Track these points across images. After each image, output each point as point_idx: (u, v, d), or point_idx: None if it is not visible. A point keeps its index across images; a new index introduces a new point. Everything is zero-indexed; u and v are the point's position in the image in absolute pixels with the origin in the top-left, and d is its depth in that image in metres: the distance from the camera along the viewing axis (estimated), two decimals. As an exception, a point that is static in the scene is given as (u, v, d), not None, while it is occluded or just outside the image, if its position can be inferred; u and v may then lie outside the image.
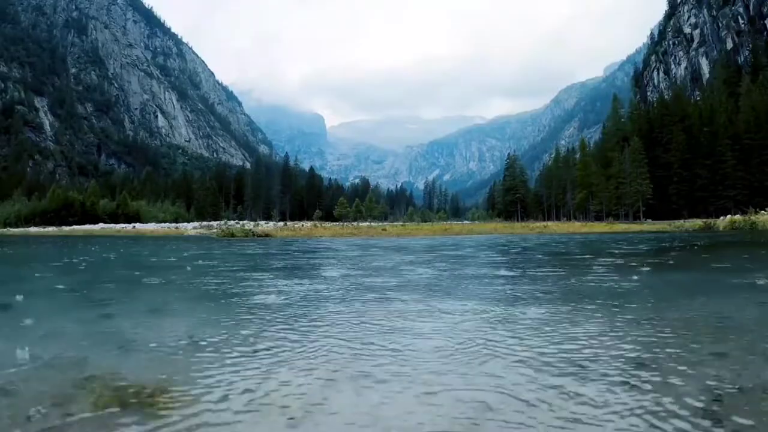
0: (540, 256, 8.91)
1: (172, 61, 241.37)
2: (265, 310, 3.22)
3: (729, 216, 23.95)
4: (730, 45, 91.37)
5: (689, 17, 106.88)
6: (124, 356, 2.06)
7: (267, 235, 22.63)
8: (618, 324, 2.57)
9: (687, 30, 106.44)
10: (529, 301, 3.48)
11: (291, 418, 1.35)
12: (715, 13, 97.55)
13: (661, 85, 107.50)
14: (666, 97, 75.15)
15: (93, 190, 76.85)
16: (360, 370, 1.80)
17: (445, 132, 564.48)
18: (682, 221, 30.31)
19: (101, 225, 47.73)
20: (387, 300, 3.59)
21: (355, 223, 47.44)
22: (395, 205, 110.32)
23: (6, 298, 3.99)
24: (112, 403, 1.45)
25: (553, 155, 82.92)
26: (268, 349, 2.12)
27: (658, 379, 1.63)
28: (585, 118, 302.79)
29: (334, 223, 48.35)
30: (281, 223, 46.17)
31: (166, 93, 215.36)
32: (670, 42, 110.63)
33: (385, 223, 48.80)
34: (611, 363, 1.83)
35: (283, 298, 3.78)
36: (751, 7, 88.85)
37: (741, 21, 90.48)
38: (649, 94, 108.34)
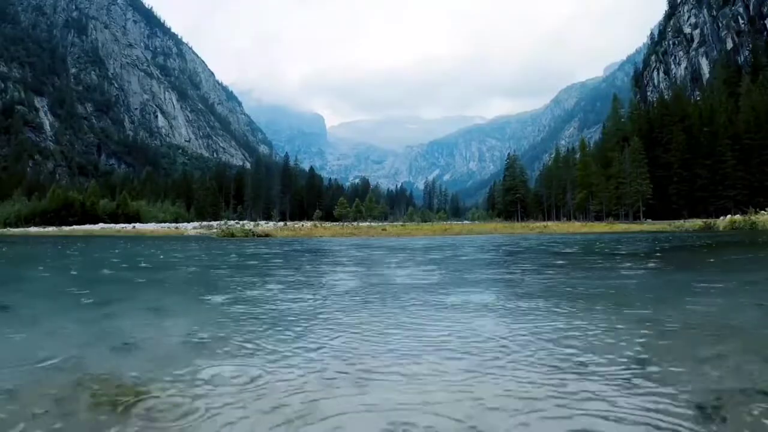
0: (540, 256, 8.91)
1: (172, 61, 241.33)
2: (266, 309, 3.22)
3: (729, 216, 23.94)
4: (730, 45, 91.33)
5: (689, 17, 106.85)
6: (124, 356, 2.06)
7: (267, 235, 22.63)
8: (618, 324, 2.57)
9: (687, 30, 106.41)
10: (529, 301, 3.48)
11: (291, 418, 1.35)
12: (715, 13, 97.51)
13: (661, 85, 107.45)
14: (666, 97, 75.13)
15: (93, 190, 76.82)
16: (360, 369, 1.80)
17: (445, 132, 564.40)
18: (682, 221, 30.30)
19: (101, 225, 47.72)
20: (387, 299, 3.59)
21: (355, 223, 47.45)
22: (395, 205, 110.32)
23: (6, 298, 3.99)
24: (112, 403, 1.45)
25: (553, 155, 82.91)
26: (268, 349, 2.12)
27: (657, 379, 1.63)
28: (585, 118, 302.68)
29: (334, 223, 48.36)
30: (281, 223, 46.17)
31: (166, 93, 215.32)
32: (670, 42, 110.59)
33: (385, 223, 48.81)
34: (611, 363, 1.83)
35: (283, 297, 3.79)
36: (751, 7, 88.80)
37: (741, 21, 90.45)
38: (649, 94, 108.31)
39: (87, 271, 6.87)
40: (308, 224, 41.43)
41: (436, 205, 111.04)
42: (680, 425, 1.27)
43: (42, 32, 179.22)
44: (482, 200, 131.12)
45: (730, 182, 50.83)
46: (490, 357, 1.96)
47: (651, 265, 6.61)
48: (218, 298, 3.82)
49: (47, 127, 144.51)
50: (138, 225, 46.54)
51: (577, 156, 68.48)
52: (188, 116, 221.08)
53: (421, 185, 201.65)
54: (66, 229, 42.40)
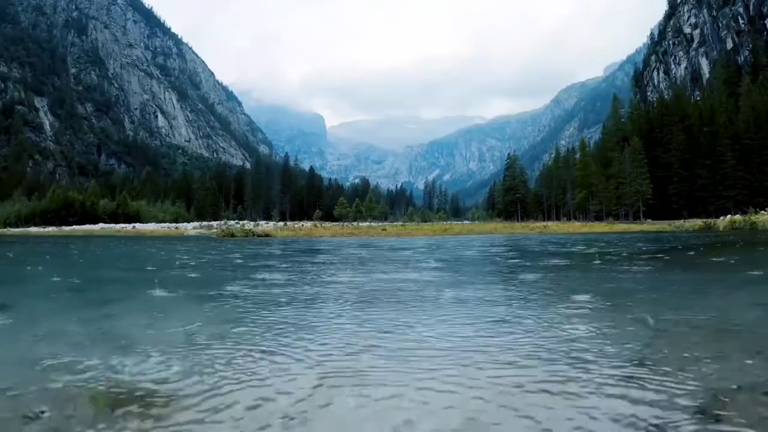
0: (540, 256, 8.91)
1: (172, 61, 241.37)
2: (266, 309, 3.22)
3: (729, 216, 23.93)
4: (730, 45, 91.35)
5: (689, 17, 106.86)
6: (124, 356, 2.06)
7: (267, 235, 22.64)
8: (618, 323, 2.57)
9: (687, 30, 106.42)
10: (528, 300, 3.49)
11: (291, 418, 1.35)
12: (715, 13, 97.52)
13: (661, 85, 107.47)
14: (666, 97, 75.15)
15: (93, 190, 76.82)
16: (360, 369, 1.80)
17: (445, 132, 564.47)
18: (682, 221, 30.29)
19: (101, 225, 47.73)
20: (387, 299, 3.59)
21: (355, 223, 47.46)
22: (395, 205, 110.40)
23: (6, 298, 3.99)
24: (112, 403, 1.46)
25: (553, 155, 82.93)
26: (268, 349, 2.12)
27: (657, 378, 1.63)
28: (585, 118, 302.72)
29: (334, 223, 48.37)
30: (281, 223, 46.18)
31: (166, 93, 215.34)
32: (670, 42, 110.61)
33: (385, 223, 48.82)
34: (611, 362, 1.83)
35: (283, 297, 3.79)
36: (751, 7, 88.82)
37: (741, 21, 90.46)
38: (649, 94, 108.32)
39: (87, 271, 6.87)
40: (308, 224, 41.44)
41: (436, 205, 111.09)
42: (680, 425, 1.26)
43: (42, 32, 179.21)
44: (482, 200, 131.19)
45: (730, 182, 50.84)
46: (490, 356, 1.96)
47: (651, 265, 6.61)
48: (218, 298, 3.82)
49: (47, 127, 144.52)
50: (138, 225, 46.55)
51: (577, 156, 68.50)
52: (188, 116, 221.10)
53: (421, 185, 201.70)
54: (66, 229, 42.40)
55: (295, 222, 52.30)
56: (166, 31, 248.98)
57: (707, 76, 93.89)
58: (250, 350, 2.11)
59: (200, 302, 3.74)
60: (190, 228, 37.35)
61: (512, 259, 8.48)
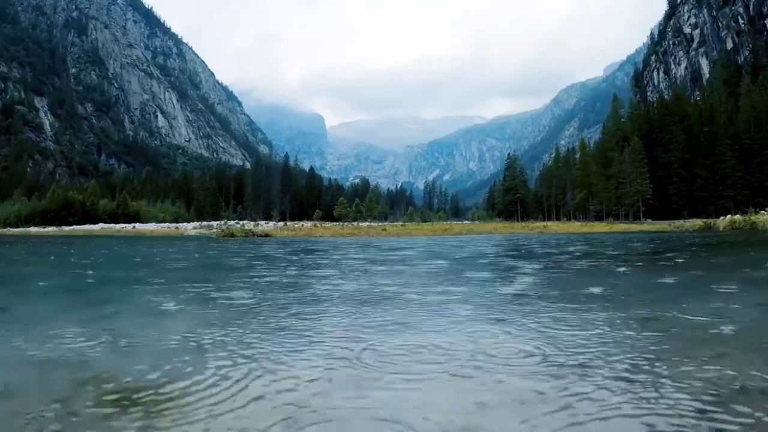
0: (540, 256, 8.91)
1: (172, 61, 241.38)
2: (265, 309, 3.22)
3: (729, 216, 23.93)
4: (730, 45, 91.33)
5: (689, 17, 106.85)
6: (124, 356, 2.06)
7: (267, 235, 22.63)
8: (617, 323, 2.57)
9: (687, 30, 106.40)
10: (528, 300, 3.48)
11: (291, 418, 1.35)
12: (715, 13, 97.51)
13: (661, 85, 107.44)
14: (666, 97, 75.14)
15: (93, 190, 76.78)
16: (361, 369, 1.80)
17: (445, 132, 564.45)
18: (682, 221, 30.28)
19: (101, 225, 47.72)
20: (387, 299, 3.59)
21: (355, 223, 47.46)
22: (395, 205, 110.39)
23: (6, 298, 3.99)
24: (112, 403, 1.46)
25: (553, 155, 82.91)
26: (268, 349, 2.12)
27: (657, 379, 1.63)
28: (585, 118, 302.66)
29: (334, 223, 48.36)
30: (281, 223, 46.18)
31: (166, 93, 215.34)
32: (670, 42, 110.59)
33: (385, 223, 48.82)
34: (610, 362, 1.83)
35: (283, 297, 3.79)
36: (751, 7, 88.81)
37: (741, 21, 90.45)
38: (649, 94, 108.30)
39: (87, 271, 6.87)
40: (308, 224, 41.44)
41: (436, 205, 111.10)
42: (680, 425, 1.26)
43: (42, 32, 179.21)
44: (482, 200, 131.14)
45: (730, 182, 50.83)
46: (490, 356, 1.96)
47: (651, 264, 6.61)
48: (218, 298, 3.82)
49: (47, 127, 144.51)
50: (138, 225, 46.53)
51: (577, 156, 68.47)
52: (188, 116, 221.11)
53: (421, 185, 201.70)
54: (66, 229, 42.39)
55: (295, 222, 52.30)
56: (166, 31, 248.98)
57: (707, 76, 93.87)
58: (251, 350, 2.10)
59: (200, 302, 3.74)
60: (190, 228, 37.34)
61: (513, 259, 8.48)
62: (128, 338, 2.37)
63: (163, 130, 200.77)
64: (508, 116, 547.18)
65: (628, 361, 1.86)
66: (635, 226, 29.90)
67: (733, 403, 1.41)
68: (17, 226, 52.78)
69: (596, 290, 3.97)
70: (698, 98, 75.10)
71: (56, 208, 62.57)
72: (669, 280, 4.74)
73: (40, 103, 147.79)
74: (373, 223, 47.63)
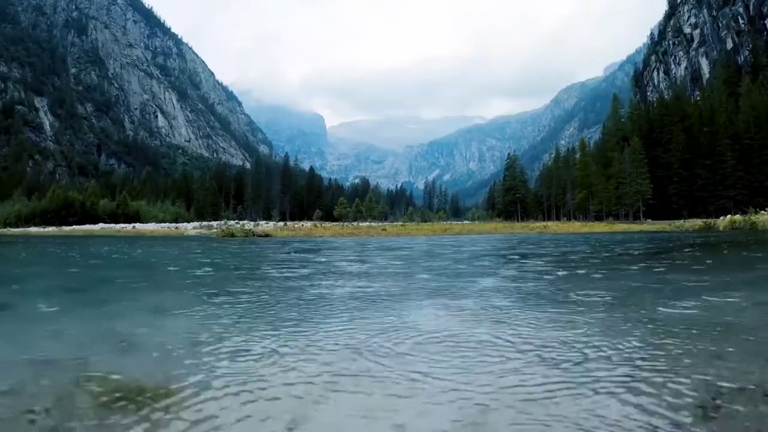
0: (540, 256, 8.91)
1: (172, 61, 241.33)
2: (266, 309, 3.22)
3: (729, 216, 23.94)
4: (730, 45, 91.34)
5: (689, 17, 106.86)
6: (124, 356, 2.06)
7: (267, 235, 22.64)
8: (617, 323, 2.57)
9: (687, 30, 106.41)
10: (528, 300, 3.49)
11: (292, 418, 1.35)
12: (715, 13, 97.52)
13: (661, 85, 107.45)
14: (666, 97, 75.16)
15: (93, 190, 76.78)
16: (361, 369, 1.80)
17: (445, 132, 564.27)
18: (682, 221, 30.29)
19: (101, 225, 47.71)
20: (387, 299, 3.59)
21: (355, 223, 47.45)
22: (395, 205, 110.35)
23: (6, 298, 3.99)
24: (112, 403, 1.45)
25: (553, 155, 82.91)
26: (268, 349, 2.12)
27: (657, 378, 1.63)
28: (585, 118, 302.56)
29: (334, 223, 48.36)
30: (281, 223, 46.18)
31: (166, 93, 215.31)
32: (670, 42, 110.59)
33: (385, 223, 48.82)
34: (610, 362, 1.83)
35: (283, 297, 3.79)
36: (751, 7, 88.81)
37: (741, 21, 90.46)
38: (649, 94, 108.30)
39: (87, 271, 6.87)
40: (308, 224, 41.44)
41: (436, 205, 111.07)
42: (680, 425, 1.26)
43: (42, 32, 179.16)
44: (482, 200, 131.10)
45: (730, 182, 50.85)
46: (490, 356, 1.96)
47: (651, 265, 6.62)
48: (218, 298, 3.82)
49: (47, 127, 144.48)
50: (138, 225, 46.52)
51: (577, 156, 68.49)
52: (188, 116, 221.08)
53: (421, 185, 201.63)
54: (66, 229, 42.39)
55: (295, 222, 52.29)
56: (166, 31, 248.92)
57: (707, 76, 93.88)
58: (251, 350, 2.11)
59: (200, 302, 3.74)
60: (190, 228, 37.34)
61: (513, 259, 8.47)
62: (128, 338, 2.37)
63: (163, 130, 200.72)
64: (508, 116, 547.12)
65: (626, 360, 1.85)
66: (635, 226, 29.91)
67: (734, 403, 1.40)
68: (17, 226, 52.76)
69: (595, 289, 3.96)
70: (698, 98, 75.10)
71: (56, 208, 62.56)
72: (668, 280, 4.74)
73: (40, 103, 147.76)
74: (373, 223, 47.63)
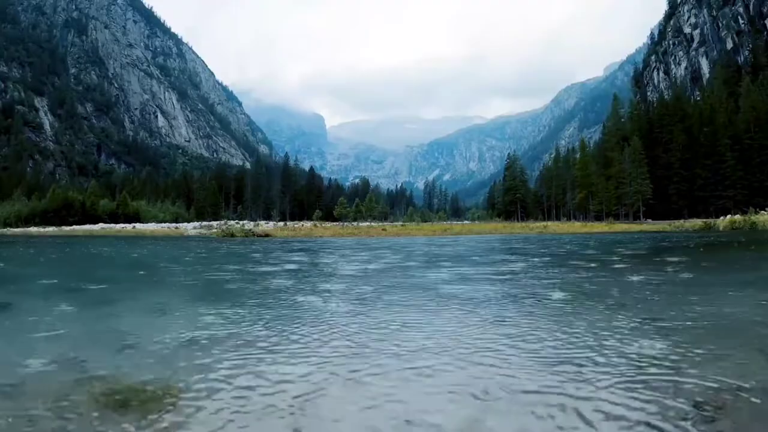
0: (540, 256, 8.91)
1: (172, 61, 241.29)
2: (265, 309, 3.22)
3: (729, 216, 23.95)
4: (730, 45, 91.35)
5: (689, 17, 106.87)
6: (124, 356, 2.06)
7: (267, 235, 22.64)
8: (618, 323, 2.57)
9: (687, 30, 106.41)
10: (529, 300, 3.48)
11: (291, 418, 1.35)
12: (715, 13, 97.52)
13: (661, 85, 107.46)
14: (666, 97, 75.17)
15: (93, 190, 76.80)
16: (361, 368, 1.80)
17: (445, 132, 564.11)
18: (682, 221, 30.30)
19: (101, 225, 47.68)
20: (387, 299, 3.59)
21: (355, 223, 47.46)
22: (395, 205, 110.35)
23: (6, 298, 3.99)
24: (112, 403, 1.46)
25: (553, 155, 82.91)
26: (268, 349, 2.12)
27: (657, 378, 1.63)
28: (585, 118, 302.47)
29: (334, 223, 48.37)
30: (281, 223, 46.17)
31: (166, 93, 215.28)
32: (670, 42, 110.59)
33: (385, 223, 48.81)
34: (611, 362, 1.84)
35: (283, 297, 3.78)
36: (751, 7, 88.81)
37: (741, 21, 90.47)
38: (649, 94, 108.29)
39: (87, 271, 6.87)
40: (308, 224, 41.44)
41: (436, 205, 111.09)
42: (680, 425, 1.26)
43: (42, 32, 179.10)
44: (482, 200, 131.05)
45: (730, 182, 50.84)
46: (490, 356, 1.96)
47: (650, 264, 6.61)
48: (218, 298, 3.82)
49: (47, 127, 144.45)
50: (138, 225, 46.51)
51: (577, 156, 68.46)
52: (188, 116, 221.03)
53: (421, 185, 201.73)
54: (66, 229, 42.38)
55: (295, 222, 52.29)
56: (166, 31, 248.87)
57: (707, 76, 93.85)
58: (251, 350, 2.11)
59: (200, 302, 3.74)
60: (190, 228, 37.32)
61: (513, 259, 8.47)
62: (128, 338, 2.37)
63: (163, 130, 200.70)
64: (508, 116, 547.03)
65: (627, 360, 1.85)
66: (635, 226, 29.91)
67: (733, 402, 1.40)
68: (17, 226, 52.72)
69: (595, 289, 3.96)
70: (698, 98, 75.07)
71: (56, 208, 62.53)
72: (667, 279, 4.74)
73: (40, 103, 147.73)
74: (373, 223, 47.62)
